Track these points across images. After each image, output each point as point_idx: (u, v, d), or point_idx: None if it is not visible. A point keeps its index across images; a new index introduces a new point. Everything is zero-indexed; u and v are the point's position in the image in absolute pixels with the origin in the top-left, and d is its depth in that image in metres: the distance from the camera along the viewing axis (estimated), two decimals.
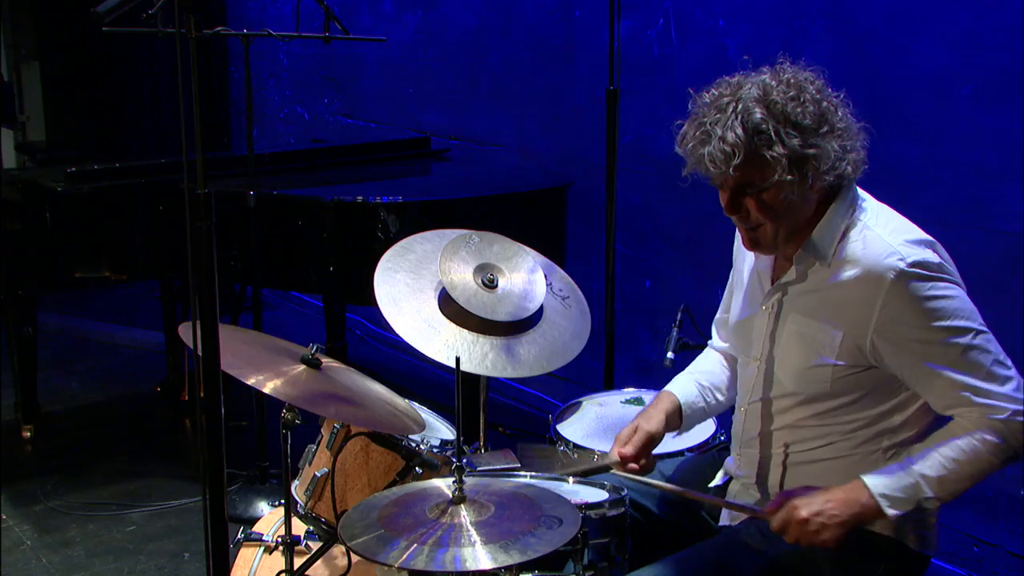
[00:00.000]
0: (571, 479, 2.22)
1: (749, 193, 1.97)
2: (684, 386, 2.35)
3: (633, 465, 2.20)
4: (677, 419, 2.30)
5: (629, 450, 2.20)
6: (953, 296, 1.94)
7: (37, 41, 7.10)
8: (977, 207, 3.05)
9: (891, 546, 2.05)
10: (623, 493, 2.09)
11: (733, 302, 2.28)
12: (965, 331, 1.93)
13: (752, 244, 2.07)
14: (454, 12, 4.89)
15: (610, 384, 3.55)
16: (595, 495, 2.13)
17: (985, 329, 1.97)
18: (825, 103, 1.95)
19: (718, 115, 1.93)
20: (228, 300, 4.62)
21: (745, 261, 2.25)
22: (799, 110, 1.91)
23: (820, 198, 2.01)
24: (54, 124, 7.24)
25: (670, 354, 2.81)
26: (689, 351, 2.87)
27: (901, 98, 3.17)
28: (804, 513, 1.94)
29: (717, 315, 2.42)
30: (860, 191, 2.06)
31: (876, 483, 1.94)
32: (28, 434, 4.28)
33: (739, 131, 1.90)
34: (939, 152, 3.09)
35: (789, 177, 1.91)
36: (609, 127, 3.48)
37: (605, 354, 3.55)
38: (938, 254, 1.97)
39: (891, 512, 1.93)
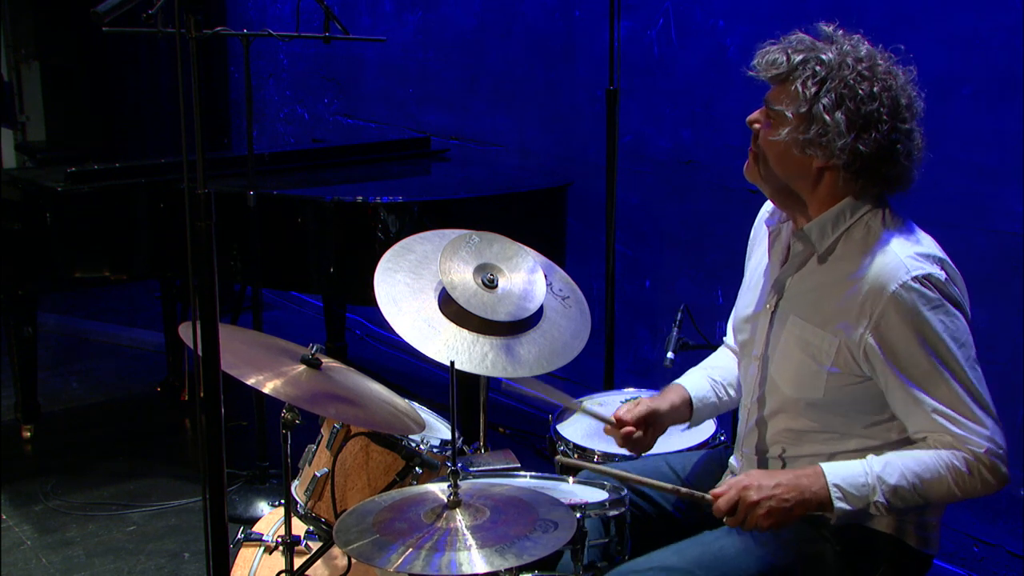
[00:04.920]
0: (571, 479, 2.22)
1: (769, 116, 2.00)
2: (695, 380, 2.34)
3: (629, 429, 2.19)
4: (686, 410, 2.28)
5: (628, 417, 2.20)
6: (951, 323, 1.91)
7: (37, 41, 7.10)
8: (977, 207, 3.05)
9: (892, 545, 2.04)
10: (623, 493, 2.09)
11: (741, 299, 2.27)
12: (955, 361, 1.91)
13: (746, 166, 2.08)
14: (454, 12, 4.89)
15: (610, 384, 3.55)
16: (595, 495, 2.13)
17: (976, 367, 1.94)
18: (878, 110, 1.92)
19: (808, 41, 1.98)
20: (228, 300, 4.63)
21: (754, 257, 2.25)
22: (856, 89, 1.91)
23: (833, 190, 1.99)
24: (54, 124, 7.25)
25: (670, 354, 2.81)
26: (689, 351, 2.87)
27: None
28: (754, 496, 1.93)
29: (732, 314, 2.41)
30: (893, 209, 2.03)
31: (834, 473, 1.93)
32: (28, 434, 4.28)
33: (800, 56, 1.95)
34: (939, 152, 3.08)
35: (790, 115, 1.94)
36: (609, 127, 3.48)
37: (605, 354, 3.55)
38: (947, 272, 1.94)
39: (839, 505, 1.91)
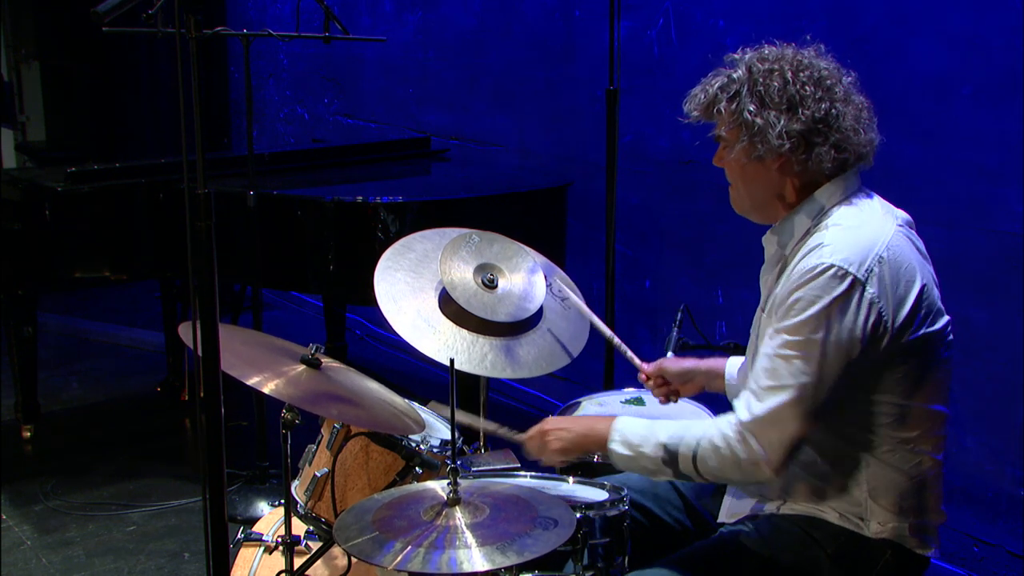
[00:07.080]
0: (571, 479, 2.22)
1: (723, 147, 2.08)
2: (736, 361, 2.40)
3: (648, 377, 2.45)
4: (717, 380, 2.42)
5: (649, 368, 2.46)
6: (827, 314, 1.87)
7: (37, 41, 7.11)
8: (977, 207, 3.05)
9: (888, 548, 2.04)
10: (623, 493, 2.10)
11: None
12: (796, 344, 1.89)
13: (731, 201, 2.14)
14: (454, 12, 4.89)
15: (610, 384, 3.55)
16: (595, 495, 2.13)
17: (825, 368, 1.87)
18: (799, 88, 1.95)
19: (722, 71, 2.06)
20: (228, 300, 4.63)
21: None
22: (767, 82, 1.97)
23: (799, 186, 2.02)
24: (54, 124, 7.25)
25: (670, 354, 2.80)
26: (689, 351, 2.87)
27: (901, 98, 3.17)
28: (548, 426, 2.14)
29: None
30: (859, 193, 2.03)
31: (623, 420, 2.06)
32: (28, 434, 4.28)
33: (716, 84, 2.04)
34: (939, 152, 3.09)
35: (724, 132, 2.03)
36: (609, 127, 3.48)
37: (605, 354, 3.55)
38: (879, 271, 1.89)
39: (612, 446, 2.03)
